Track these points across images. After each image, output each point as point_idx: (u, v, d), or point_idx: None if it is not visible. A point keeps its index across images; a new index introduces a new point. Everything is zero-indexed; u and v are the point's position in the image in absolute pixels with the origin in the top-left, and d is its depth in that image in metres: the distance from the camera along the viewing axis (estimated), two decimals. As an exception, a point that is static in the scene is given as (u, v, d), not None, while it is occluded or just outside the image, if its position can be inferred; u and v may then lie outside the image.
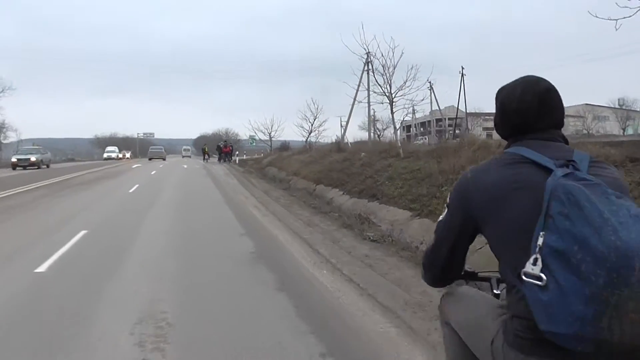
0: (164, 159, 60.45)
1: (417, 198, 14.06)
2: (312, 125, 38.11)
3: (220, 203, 14.10)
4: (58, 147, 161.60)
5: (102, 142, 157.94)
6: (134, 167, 38.95)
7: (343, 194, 19.22)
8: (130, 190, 17.59)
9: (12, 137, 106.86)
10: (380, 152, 22.73)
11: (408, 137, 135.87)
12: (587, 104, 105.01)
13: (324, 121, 39.33)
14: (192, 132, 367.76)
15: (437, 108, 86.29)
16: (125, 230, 10.07)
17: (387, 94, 19.93)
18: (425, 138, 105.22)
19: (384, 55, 19.66)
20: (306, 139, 39.40)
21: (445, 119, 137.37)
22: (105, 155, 79.02)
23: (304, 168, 29.25)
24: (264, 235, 9.38)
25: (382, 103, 20.95)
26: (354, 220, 12.16)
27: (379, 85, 19.88)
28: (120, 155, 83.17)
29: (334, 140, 63.22)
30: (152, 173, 28.87)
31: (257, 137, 55.21)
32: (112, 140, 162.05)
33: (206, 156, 55.50)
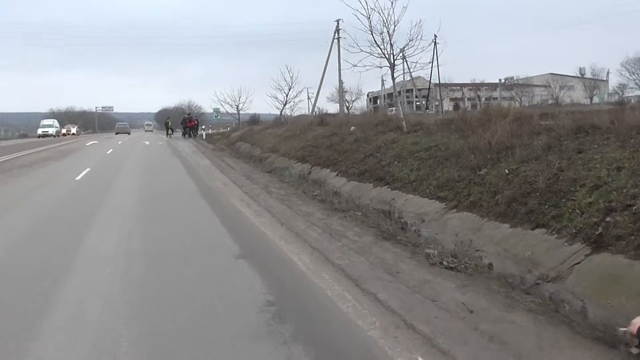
0: (129, 133, 64.75)
1: (445, 183, 11.12)
2: (287, 96, 34.64)
3: (196, 196, 10.66)
4: (10, 123, 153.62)
5: (58, 117, 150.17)
6: (88, 144, 34.90)
7: (337, 175, 16.18)
8: (78, 177, 14.07)
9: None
10: (375, 125, 19.66)
11: (375, 108, 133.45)
12: (552, 74, 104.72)
13: (299, 91, 35.83)
14: (154, 106, 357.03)
15: (410, 78, 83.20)
16: (45, 264, 5.84)
17: (386, 56, 16.74)
18: (394, 109, 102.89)
19: (382, 11, 16.39)
20: (280, 111, 35.96)
21: (414, 89, 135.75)
22: (39, 131, 58.02)
23: (283, 144, 26.00)
24: (274, 261, 5.96)
25: (380, 67, 17.74)
26: (378, 216, 9.10)
27: (378, 46, 16.66)
28: (64, 131, 62.62)
29: (316, 112, 60.06)
30: (109, 152, 25.20)
31: (222, 110, 51.41)
32: (68, 115, 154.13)
33: (169, 131, 51.38)
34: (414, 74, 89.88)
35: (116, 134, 64.88)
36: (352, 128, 21.24)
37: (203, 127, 48.67)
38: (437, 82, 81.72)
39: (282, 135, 28.80)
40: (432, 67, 79.99)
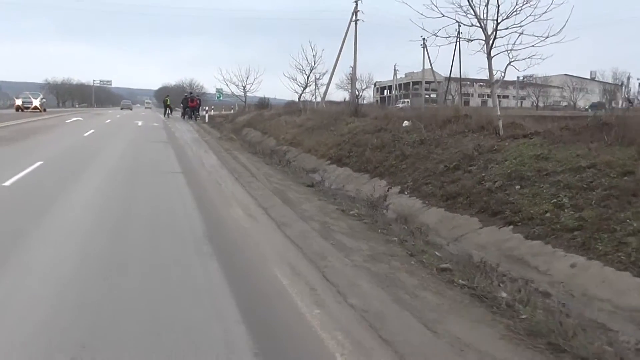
0: (131, 109, 75.11)
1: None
2: (307, 78, 29.28)
3: (206, 265, 4.88)
4: (6, 91, 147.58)
5: (54, 88, 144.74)
6: (68, 121, 29.50)
7: (402, 191, 11.06)
8: (10, 181, 8.71)
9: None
10: (444, 122, 14.48)
11: (382, 99, 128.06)
12: (567, 74, 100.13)
13: (322, 73, 30.44)
14: (154, 83, 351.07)
15: (430, 66, 77.78)
16: None
17: (482, 25, 11.43)
18: (407, 101, 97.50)
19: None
20: (299, 96, 30.66)
21: (422, 82, 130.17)
22: (19, 102, 44.53)
23: (306, 136, 20.77)
24: None
25: (469, 41, 12.37)
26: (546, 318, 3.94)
27: (472, 7, 11.28)
28: (17, 103, 44.49)
29: (344, 99, 54.54)
30: (86, 134, 19.77)
31: (226, 91, 46.00)
32: (64, 86, 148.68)
33: (168, 110, 45.88)
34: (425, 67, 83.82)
35: (121, 109, 74.73)
36: (406, 123, 16.08)
37: (206, 108, 43.19)
38: (459, 75, 76.28)
39: (303, 125, 23.58)
40: (453, 59, 74.61)
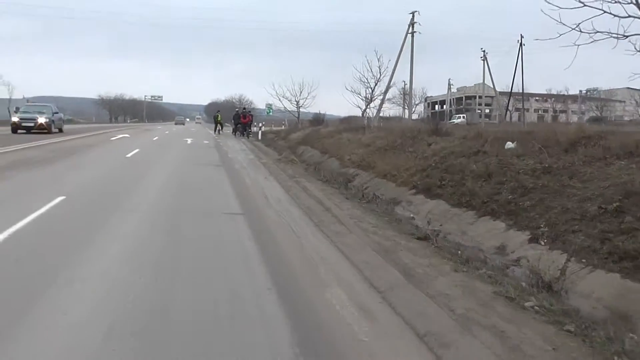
0: (183, 124, 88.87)
1: None
2: (372, 91, 26.42)
3: None
4: (61, 106, 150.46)
5: (107, 103, 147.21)
6: (113, 139, 27.51)
7: (549, 247, 7.98)
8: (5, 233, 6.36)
9: (2, 93, 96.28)
10: (570, 144, 11.37)
11: (433, 115, 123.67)
12: (629, 88, 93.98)
13: (390, 85, 27.47)
14: (203, 98, 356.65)
15: (490, 79, 73.73)
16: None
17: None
18: (462, 117, 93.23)
19: None
20: (363, 111, 27.86)
21: (477, 97, 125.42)
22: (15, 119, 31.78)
23: (377, 158, 17.87)
24: None
25: (624, 36, 9.20)
26: None
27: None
28: (14, 119, 31.71)
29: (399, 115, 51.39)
30: (129, 155, 17.39)
31: (279, 106, 43.75)
32: (116, 102, 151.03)
33: (218, 127, 43.86)
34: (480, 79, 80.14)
35: (175, 124, 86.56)
36: (510, 145, 12.99)
37: (259, 124, 40.88)
38: (522, 89, 71.95)
39: (371, 144, 20.73)
40: (515, 71, 70.50)
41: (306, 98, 42.37)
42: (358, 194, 12.40)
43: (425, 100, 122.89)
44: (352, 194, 12.04)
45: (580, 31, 9.18)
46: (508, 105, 75.05)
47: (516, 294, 4.81)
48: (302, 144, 31.80)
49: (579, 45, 9.02)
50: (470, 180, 11.56)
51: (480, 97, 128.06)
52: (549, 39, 8.99)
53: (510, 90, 72.98)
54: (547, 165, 10.57)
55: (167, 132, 43.63)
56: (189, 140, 28.48)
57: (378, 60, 26.18)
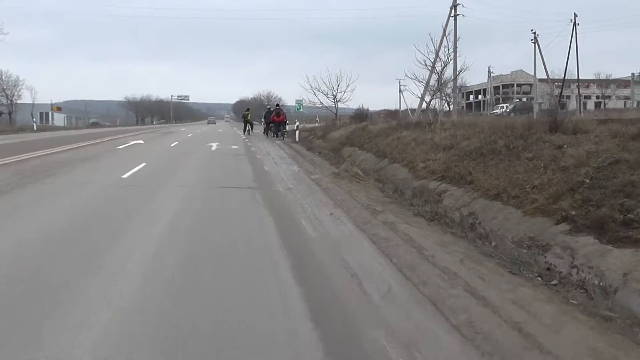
0: (214, 123, 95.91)
1: None
2: (439, 77, 20.90)
3: None
4: (89, 110, 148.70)
5: (133, 105, 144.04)
6: (121, 147, 22.52)
7: None
8: None
9: (25, 97, 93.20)
10: None
11: (468, 105, 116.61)
12: None
13: (463, 70, 21.81)
14: (230, 97, 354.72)
15: (543, 65, 67.12)
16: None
17: None
18: (505, 106, 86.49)
19: None
20: (427, 104, 22.42)
21: (514, 85, 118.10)
22: None
23: (473, 168, 12.23)
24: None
25: None
26: None
27: None
28: None
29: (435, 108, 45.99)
30: (126, 175, 11.83)
31: (313, 101, 38.43)
32: (143, 103, 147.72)
33: (248, 127, 38.83)
34: (514, 67, 73.12)
35: (207, 123, 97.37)
36: None
37: (297, 122, 35.66)
38: (577, 75, 65.20)
39: (452, 146, 15.29)
40: (568, 56, 63.80)
41: (345, 91, 37.01)
42: (462, 223, 7.03)
43: (459, 90, 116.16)
44: (522, 268, 6.60)
45: None
46: (562, 92, 68.09)
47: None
48: (347, 145, 26.60)
49: None
50: None
51: (519, 85, 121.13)
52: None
53: (564, 75, 66.32)
54: None
55: (190, 134, 38.67)
56: (214, 146, 23.39)
57: (446, 39, 20.55)
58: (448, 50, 20.36)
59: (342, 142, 28.24)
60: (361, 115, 36.94)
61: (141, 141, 25.88)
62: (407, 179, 15.62)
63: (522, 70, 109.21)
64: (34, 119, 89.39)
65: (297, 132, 31.05)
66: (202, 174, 13.19)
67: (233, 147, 23.32)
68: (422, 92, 51.11)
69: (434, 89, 20.87)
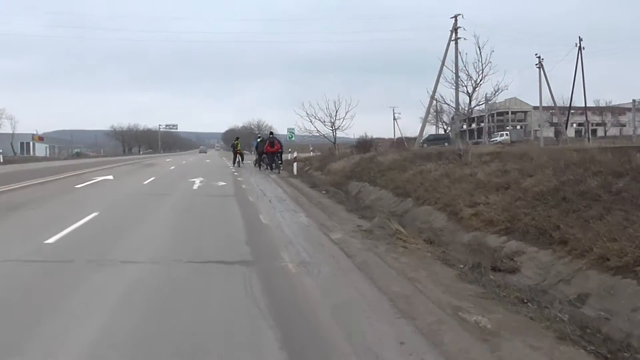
0: (206, 152, 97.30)
1: None
2: (470, 99, 17.05)
3: None
4: (76, 139, 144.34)
5: (119, 134, 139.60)
6: (79, 186, 18.34)
7: None
8: None
9: (5, 127, 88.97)
10: None
11: (462, 133, 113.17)
12: None
13: (499, 90, 17.89)
14: (219, 126, 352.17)
15: (549, 90, 64.18)
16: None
17: None
18: (504, 134, 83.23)
19: None
20: (466, 128, 18.76)
21: (509, 112, 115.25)
22: None
23: (565, 216, 8.44)
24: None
25: None
26: None
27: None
28: None
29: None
30: (52, 240, 7.75)
31: (309, 129, 34.62)
32: (130, 132, 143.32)
33: (237, 157, 34.84)
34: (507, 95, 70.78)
35: (199, 152, 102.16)
36: None
37: (295, 152, 31.71)
38: (584, 101, 62.15)
39: (509, 185, 11.42)
40: (574, 81, 60.89)
41: (344, 118, 33.20)
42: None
43: (453, 118, 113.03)
44: None
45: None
46: (568, 120, 64.93)
47: None
48: (353, 179, 22.78)
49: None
50: None
51: (513, 112, 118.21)
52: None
53: (569, 101, 63.31)
54: None
55: (172, 167, 34.46)
56: (197, 183, 19.27)
57: (479, 50, 16.77)
58: (482, 67, 16.56)
59: (347, 175, 24.41)
60: (364, 144, 33.13)
61: (111, 177, 21.69)
62: (448, 229, 11.72)
63: (515, 98, 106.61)
64: (13, 149, 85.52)
65: (295, 164, 27.02)
66: (171, 233, 9.08)
67: (220, 183, 19.25)
68: (423, 117, 46.97)
69: (464, 112, 16.99)
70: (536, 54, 61.68)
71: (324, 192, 16.91)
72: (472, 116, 17.65)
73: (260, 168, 30.99)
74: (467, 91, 16.94)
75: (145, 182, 19.23)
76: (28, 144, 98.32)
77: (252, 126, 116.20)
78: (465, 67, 16.82)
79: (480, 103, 16.69)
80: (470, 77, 16.61)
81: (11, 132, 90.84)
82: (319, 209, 12.62)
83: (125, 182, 19.94)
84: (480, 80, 16.69)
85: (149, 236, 8.67)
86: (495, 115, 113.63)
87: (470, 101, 17.02)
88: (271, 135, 29.67)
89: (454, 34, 49.43)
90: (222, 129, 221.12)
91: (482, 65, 16.41)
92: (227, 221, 10.46)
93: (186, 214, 11.43)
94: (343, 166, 27.33)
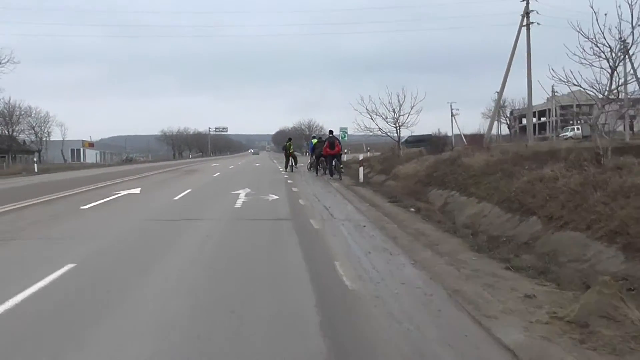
0: (258, 154, 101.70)
1: None
2: (610, 80, 12.04)
3: None
4: (129, 145, 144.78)
5: (169, 139, 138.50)
6: (85, 207, 14.25)
7: None
8: None
9: (56, 134, 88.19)
10: None
11: (522, 129, 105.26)
12: None
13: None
14: (270, 127, 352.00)
15: (634, 74, 57.10)
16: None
17: None
18: (576, 128, 75.56)
19: None
20: (594, 120, 13.71)
21: (573, 105, 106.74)
22: None
23: None
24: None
25: None
26: None
27: None
28: None
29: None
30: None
31: (371, 126, 29.96)
32: (180, 136, 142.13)
33: (290, 161, 30.59)
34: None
35: (253, 154, 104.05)
36: None
37: (361, 155, 27.16)
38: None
39: None
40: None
41: (409, 113, 28.34)
42: None
43: (511, 113, 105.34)
44: None
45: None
46: None
47: None
48: (432, 185, 18.33)
49: None
50: None
51: (578, 106, 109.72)
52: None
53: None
54: None
55: (217, 174, 30.47)
56: (242, 196, 14.97)
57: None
58: (632, 28, 11.56)
59: (422, 180, 19.79)
60: (437, 142, 28.19)
61: (137, 190, 17.61)
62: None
63: (580, 90, 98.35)
64: (64, 156, 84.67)
65: (361, 169, 22.37)
66: (176, 322, 4.72)
67: (271, 197, 14.88)
68: (492, 110, 40.97)
69: (608, 94, 12.02)
70: (620, 37, 54.15)
71: (412, 209, 12.26)
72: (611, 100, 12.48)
73: (317, 173, 26.56)
74: (609, 65, 11.93)
75: (176, 198, 15.05)
76: (79, 150, 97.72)
77: (303, 126, 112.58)
78: (601, 31, 11.81)
79: (630, 81, 11.53)
80: (609, 47, 11.66)
81: (61, 139, 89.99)
82: (425, 245, 8.00)
83: (151, 197, 15.81)
84: (630, 47, 11.69)
85: (132, 334, 4.32)
86: (558, 109, 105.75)
87: (610, 80, 12.02)
88: (331, 135, 25.03)
89: (524, 19, 43.65)
90: (272, 130, 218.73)
91: (632, 26, 11.41)
92: (281, 279, 6.01)
93: (215, 259, 7.06)
94: (415, 170, 22.66)
